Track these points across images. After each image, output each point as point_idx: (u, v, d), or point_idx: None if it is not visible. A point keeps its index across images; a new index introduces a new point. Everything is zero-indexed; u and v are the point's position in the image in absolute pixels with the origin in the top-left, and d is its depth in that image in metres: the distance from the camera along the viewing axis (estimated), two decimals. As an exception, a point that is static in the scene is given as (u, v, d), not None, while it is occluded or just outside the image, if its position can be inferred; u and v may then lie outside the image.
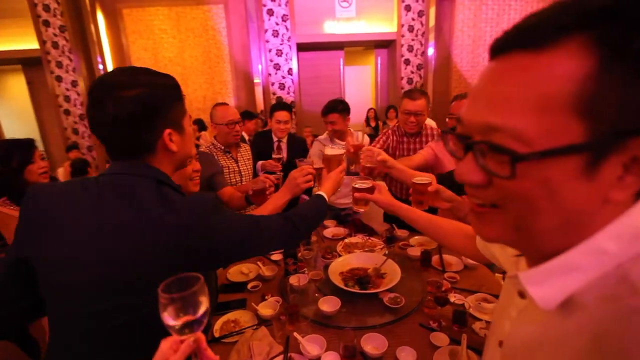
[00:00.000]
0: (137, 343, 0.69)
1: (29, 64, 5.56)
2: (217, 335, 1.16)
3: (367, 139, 2.49)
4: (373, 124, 6.18)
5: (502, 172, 0.33)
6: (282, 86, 5.92)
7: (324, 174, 1.30)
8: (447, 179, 1.41)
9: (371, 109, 6.40)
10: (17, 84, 5.87)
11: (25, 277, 0.72)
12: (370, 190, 1.24)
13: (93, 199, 0.70)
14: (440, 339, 1.07)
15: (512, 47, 0.33)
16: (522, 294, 0.45)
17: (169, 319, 0.50)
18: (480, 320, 1.16)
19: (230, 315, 1.26)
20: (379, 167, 1.45)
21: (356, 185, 1.27)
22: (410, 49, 5.95)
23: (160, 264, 0.67)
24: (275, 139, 2.53)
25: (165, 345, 0.51)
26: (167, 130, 0.75)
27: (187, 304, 0.50)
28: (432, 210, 1.43)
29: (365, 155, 1.42)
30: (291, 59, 5.81)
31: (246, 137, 3.54)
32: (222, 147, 2.13)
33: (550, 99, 0.30)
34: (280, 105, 2.50)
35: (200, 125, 5.12)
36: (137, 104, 0.70)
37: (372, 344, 1.06)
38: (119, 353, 0.69)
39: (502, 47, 0.35)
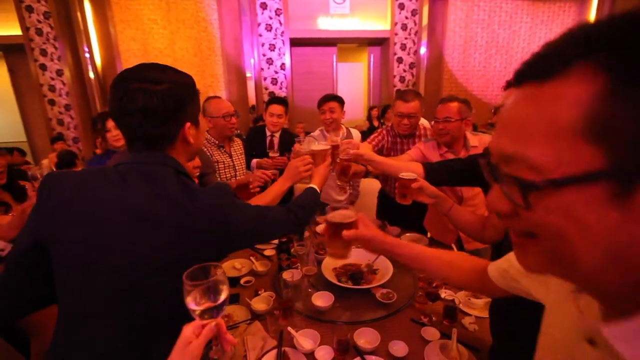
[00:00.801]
0: (152, 330, 0.70)
1: (11, 50, 5.34)
2: (210, 329, 1.16)
3: (358, 135, 2.51)
4: (376, 123, 5.76)
5: (520, 201, 0.32)
6: (274, 81, 5.88)
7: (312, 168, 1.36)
8: (434, 170, 1.44)
9: (374, 107, 6.08)
10: (-2, 72, 5.64)
11: (32, 267, 0.71)
12: (352, 225, 0.89)
13: (116, 185, 0.71)
14: (431, 333, 1.10)
15: (526, 78, 0.34)
16: (593, 341, 0.38)
17: (192, 304, 0.55)
18: (469, 315, 1.20)
19: (224, 310, 1.26)
20: (359, 160, 1.45)
21: (335, 220, 0.89)
22: (403, 47, 5.98)
23: (180, 248, 0.70)
24: (268, 133, 2.52)
25: (187, 329, 0.54)
26: (188, 124, 0.80)
27: (209, 291, 0.55)
28: (422, 206, 1.45)
29: (343, 147, 1.41)
30: (284, 54, 5.76)
31: None
32: (216, 142, 2.11)
33: (560, 125, 0.30)
34: (276, 98, 2.51)
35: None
36: (167, 98, 0.74)
37: (364, 338, 1.08)
38: (134, 339, 0.69)
39: (519, 77, 0.35)
